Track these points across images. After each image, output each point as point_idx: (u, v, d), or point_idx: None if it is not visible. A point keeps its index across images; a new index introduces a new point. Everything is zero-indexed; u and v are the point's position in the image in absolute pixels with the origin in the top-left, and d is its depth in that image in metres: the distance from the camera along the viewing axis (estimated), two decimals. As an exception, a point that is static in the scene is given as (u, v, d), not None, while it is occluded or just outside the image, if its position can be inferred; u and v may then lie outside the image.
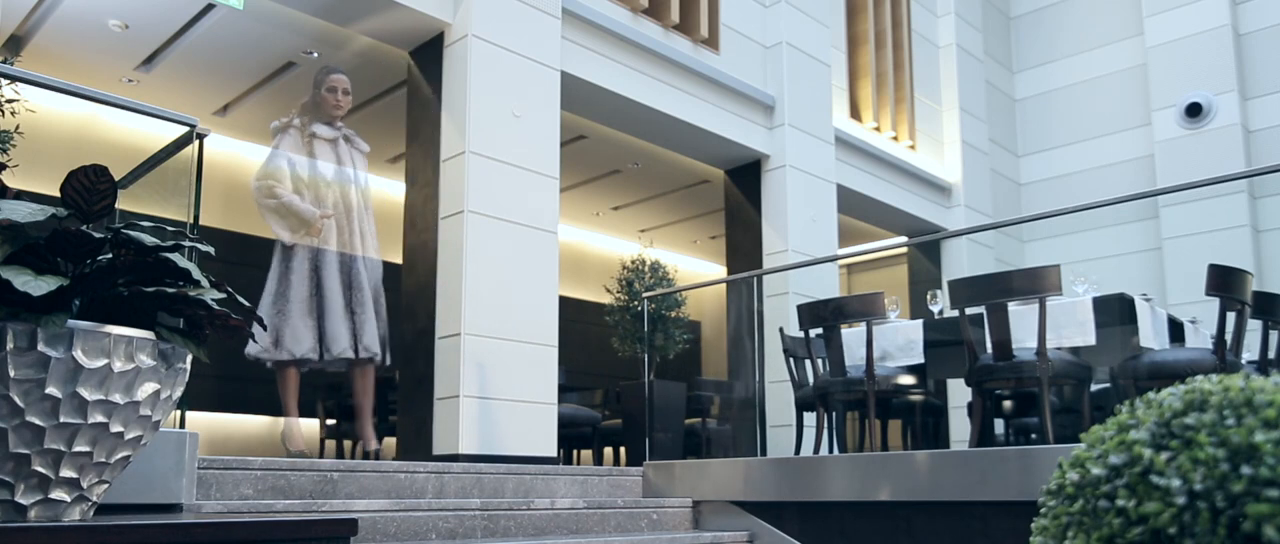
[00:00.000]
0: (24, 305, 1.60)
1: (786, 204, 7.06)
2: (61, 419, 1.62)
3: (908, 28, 8.82)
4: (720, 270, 9.89)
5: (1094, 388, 4.30)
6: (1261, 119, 8.32)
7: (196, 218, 3.00)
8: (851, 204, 8.20)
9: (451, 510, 3.21)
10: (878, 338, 4.23)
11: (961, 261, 8.84)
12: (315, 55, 6.06)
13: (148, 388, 1.74)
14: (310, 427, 5.88)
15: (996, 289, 3.75)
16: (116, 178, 1.79)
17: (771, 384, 5.58)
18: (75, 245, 1.70)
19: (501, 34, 5.21)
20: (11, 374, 1.58)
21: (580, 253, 9.80)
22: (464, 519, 3.24)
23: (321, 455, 6.38)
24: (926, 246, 9.15)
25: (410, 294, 5.13)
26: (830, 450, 4.60)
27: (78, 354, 1.62)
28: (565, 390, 6.13)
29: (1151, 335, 3.86)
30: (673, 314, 6.54)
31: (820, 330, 4.39)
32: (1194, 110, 8.41)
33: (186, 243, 1.93)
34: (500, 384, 4.86)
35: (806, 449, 4.93)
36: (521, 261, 5.10)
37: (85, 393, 1.63)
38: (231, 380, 6.58)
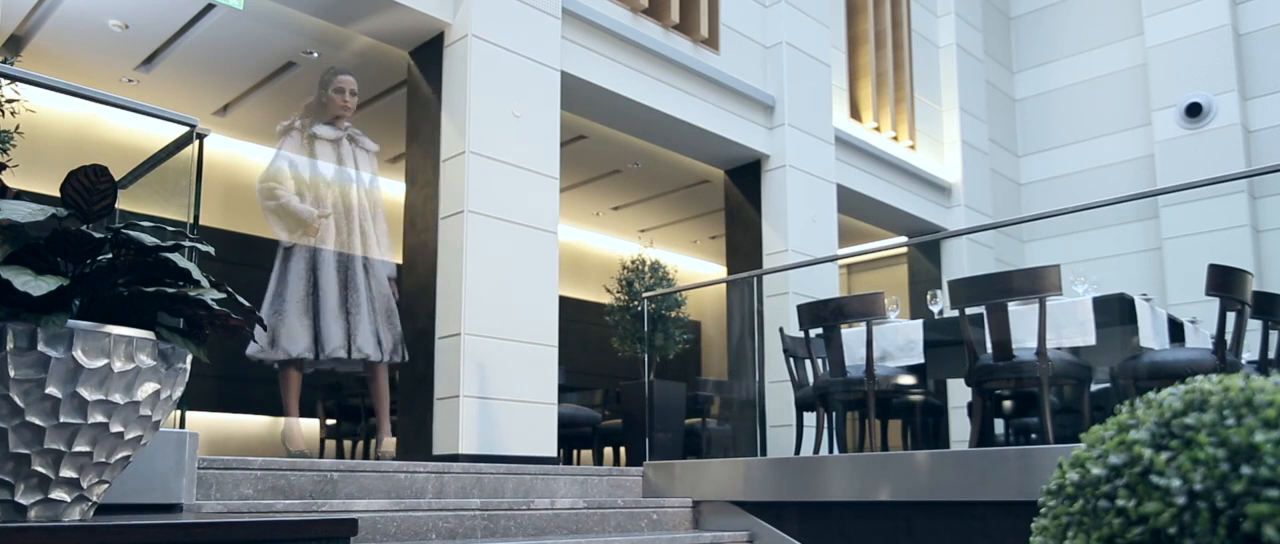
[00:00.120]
0: (24, 305, 1.60)
1: (786, 204, 7.06)
2: (61, 419, 1.62)
3: (908, 28, 8.82)
4: (720, 270, 9.90)
5: (1094, 388, 4.30)
6: (1261, 119, 8.32)
7: (196, 218, 3.00)
8: (851, 204, 8.20)
9: (451, 510, 3.21)
10: (878, 338, 4.23)
11: (961, 261, 8.84)
12: (315, 55, 6.06)
13: (148, 388, 1.74)
14: (310, 427, 5.88)
15: (996, 289, 3.75)
16: (116, 178, 1.79)
17: (771, 384, 5.58)
18: (75, 245, 1.70)
19: (501, 34, 5.21)
20: (11, 374, 1.58)
21: (580, 253, 9.80)
22: (464, 519, 3.24)
23: (321, 455, 6.38)
24: (926, 246, 9.15)
25: (410, 294, 5.13)
26: (830, 450, 4.60)
27: (78, 354, 1.62)
28: (565, 390, 6.13)
29: (1151, 335, 3.86)
30: (673, 314, 6.54)
31: (820, 330, 4.39)
32: (1194, 110, 8.41)
33: (186, 243, 1.93)
34: (500, 384, 4.86)
35: (806, 449, 4.93)
36: (521, 261, 5.10)
37: (85, 393, 1.63)
38: (231, 380, 6.58)
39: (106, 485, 1.77)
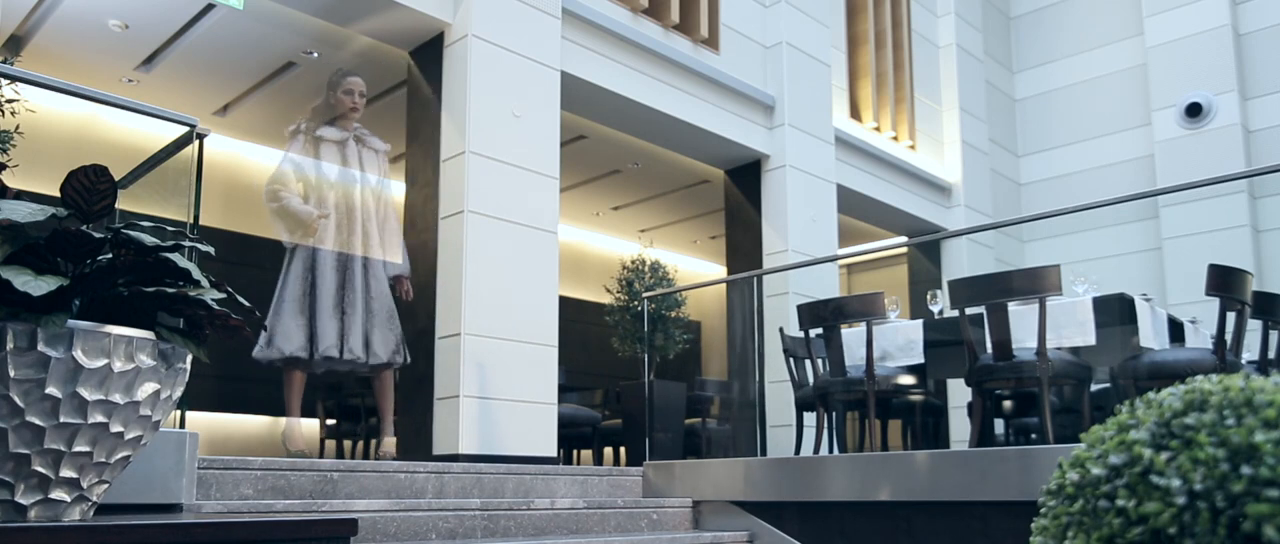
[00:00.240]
0: (24, 305, 1.60)
1: (786, 204, 7.06)
2: (61, 419, 1.62)
3: (908, 28, 8.82)
4: (720, 270, 9.90)
5: (1094, 388, 4.30)
6: (1261, 119, 8.32)
7: (196, 218, 3.00)
8: (851, 204, 8.20)
9: (451, 510, 3.21)
10: (878, 338, 4.23)
11: (961, 261, 8.84)
12: (315, 55, 6.06)
13: (148, 388, 1.74)
14: (310, 427, 5.88)
15: (996, 289, 3.75)
16: (116, 178, 1.79)
17: (771, 384, 5.58)
18: (75, 245, 1.70)
19: (501, 34, 5.21)
20: (11, 374, 1.58)
21: (580, 253, 9.80)
22: (464, 519, 3.24)
23: (321, 455, 6.38)
24: (926, 246, 9.15)
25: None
26: (830, 450, 4.60)
27: (78, 354, 1.62)
28: (565, 390, 6.13)
29: (1151, 335, 3.86)
30: (673, 314, 6.54)
31: (820, 330, 4.39)
32: (1194, 110, 8.41)
33: (186, 243, 1.93)
34: (500, 384, 4.86)
35: (806, 449, 4.93)
36: (521, 261, 5.10)
37: (85, 393, 1.63)
38: (231, 380, 6.58)
39: (106, 485, 1.77)
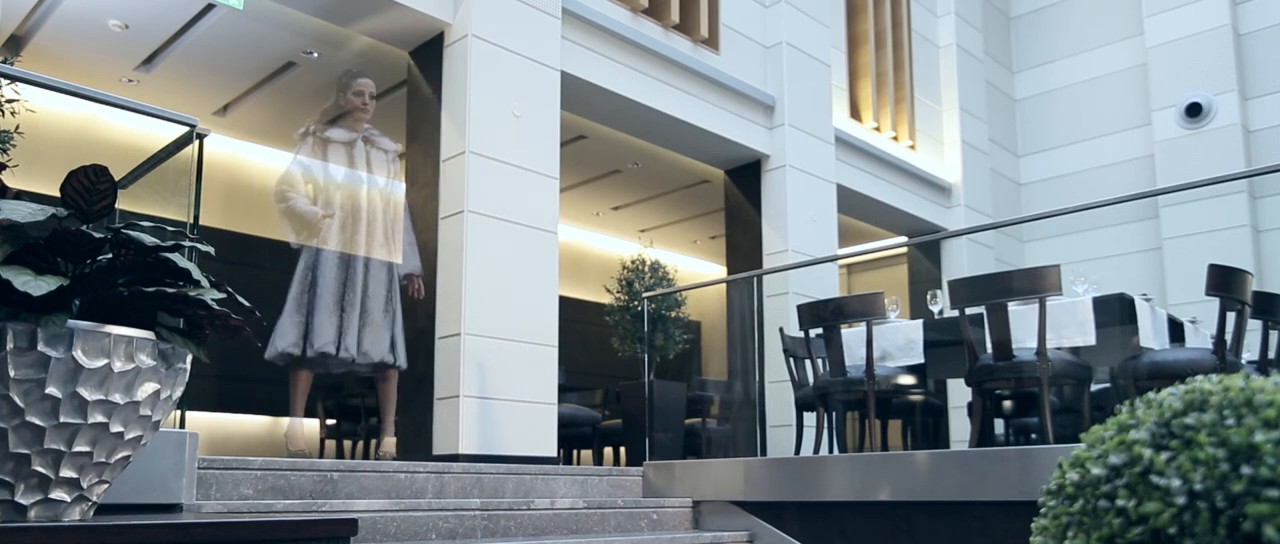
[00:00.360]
0: (24, 305, 1.60)
1: (786, 204, 7.06)
2: (61, 419, 1.62)
3: (908, 28, 8.82)
4: (720, 270, 9.90)
5: (1094, 388, 4.30)
6: (1261, 119, 8.32)
7: (196, 218, 3.00)
8: (851, 204, 8.20)
9: (451, 510, 3.21)
10: (878, 338, 4.23)
11: (961, 261, 8.84)
12: (315, 55, 6.06)
13: (148, 388, 1.74)
14: (310, 427, 5.88)
15: (996, 289, 3.75)
16: (116, 178, 1.79)
17: (771, 384, 5.58)
18: (75, 245, 1.70)
19: (501, 34, 5.21)
20: (11, 374, 1.58)
21: (580, 253, 9.80)
22: (464, 519, 3.24)
23: (321, 455, 6.38)
24: (926, 246, 9.15)
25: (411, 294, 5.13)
26: (830, 450, 4.60)
27: (78, 354, 1.62)
28: (565, 390, 6.13)
29: (1151, 335, 3.86)
30: (673, 314, 6.54)
31: (820, 330, 4.39)
32: (1194, 110, 8.41)
33: (186, 243, 1.93)
34: (500, 384, 4.86)
35: (806, 449, 4.93)
36: (521, 261, 5.10)
37: (85, 393, 1.63)
38: (231, 380, 6.58)
39: (106, 485, 1.77)
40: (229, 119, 7.01)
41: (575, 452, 6.94)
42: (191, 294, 1.75)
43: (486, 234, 4.96)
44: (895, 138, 8.58)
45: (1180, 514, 0.95)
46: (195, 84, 6.51)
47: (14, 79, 2.89)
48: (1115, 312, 3.90)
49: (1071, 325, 3.79)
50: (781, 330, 5.04)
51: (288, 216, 4.76)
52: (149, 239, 1.77)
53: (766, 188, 7.23)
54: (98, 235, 1.72)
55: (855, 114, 8.28)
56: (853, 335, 4.45)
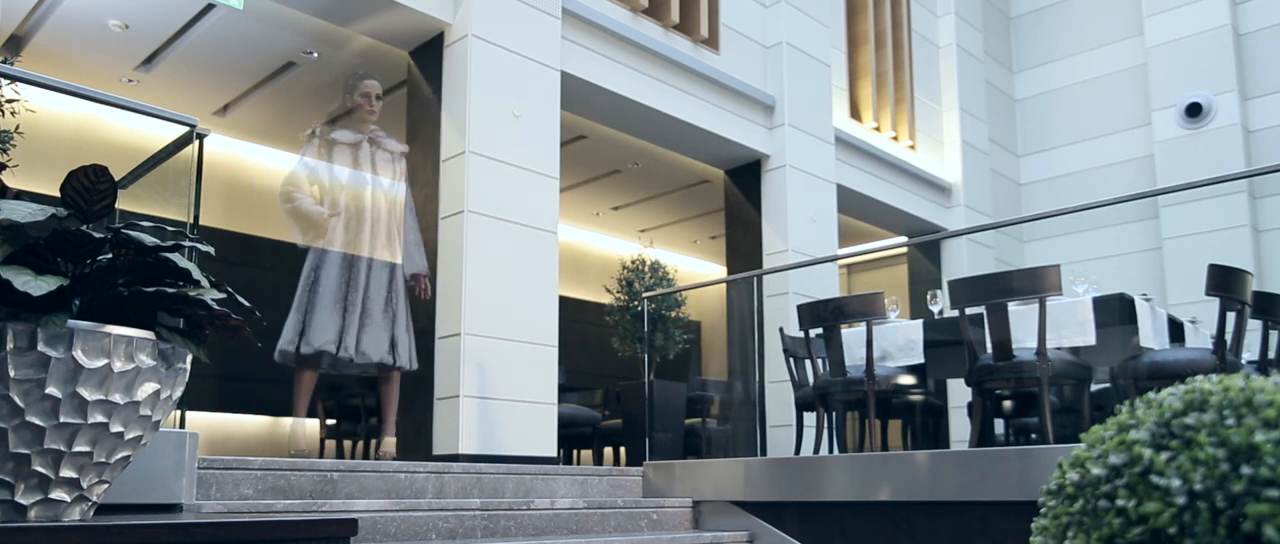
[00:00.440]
0: (24, 305, 1.60)
1: (786, 204, 7.06)
2: (61, 419, 1.62)
3: (908, 28, 8.82)
4: (720, 270, 9.90)
5: (1094, 388, 4.30)
6: (1261, 119, 8.32)
7: (196, 218, 3.00)
8: (851, 204, 8.20)
9: (451, 510, 3.21)
10: (878, 338, 4.23)
11: (961, 261, 8.84)
12: (315, 55, 6.06)
13: (148, 388, 1.74)
14: (310, 427, 5.88)
15: (996, 289, 3.75)
16: (116, 178, 1.79)
17: (771, 384, 5.58)
18: (75, 245, 1.70)
19: (501, 34, 5.21)
20: (11, 374, 1.58)
21: (580, 253, 9.80)
22: (464, 519, 3.24)
23: (321, 455, 6.38)
24: (926, 246, 9.15)
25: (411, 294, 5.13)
26: (830, 450, 4.60)
27: (78, 354, 1.62)
28: (565, 390, 6.13)
29: (1151, 335, 3.86)
30: (673, 314, 6.54)
31: (820, 330, 4.39)
32: (1194, 110, 8.41)
33: (186, 243, 1.93)
34: (500, 384, 4.86)
35: (806, 449, 4.93)
36: (521, 261, 5.10)
37: (85, 393, 1.63)
38: (231, 380, 6.58)
39: (106, 485, 1.77)
40: (229, 119, 7.01)
41: (575, 452, 6.94)
42: (191, 294, 1.75)
43: (486, 234, 4.96)
44: (895, 138, 8.58)
45: (1180, 514, 0.95)
46: (195, 84, 6.51)
47: (14, 79, 2.89)
48: (1115, 312, 3.90)
49: (1071, 325, 3.79)
50: (781, 330, 5.04)
51: (294, 217, 4.78)
52: (149, 239, 1.77)
53: (766, 188, 7.23)
54: (98, 235, 1.72)
55: (855, 114, 8.28)
56: (853, 335, 4.45)
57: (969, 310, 3.84)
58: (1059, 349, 3.80)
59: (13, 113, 3.00)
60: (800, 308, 4.42)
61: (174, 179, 3.16)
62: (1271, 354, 4.03)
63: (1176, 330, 4.29)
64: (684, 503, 4.00)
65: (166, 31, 5.82)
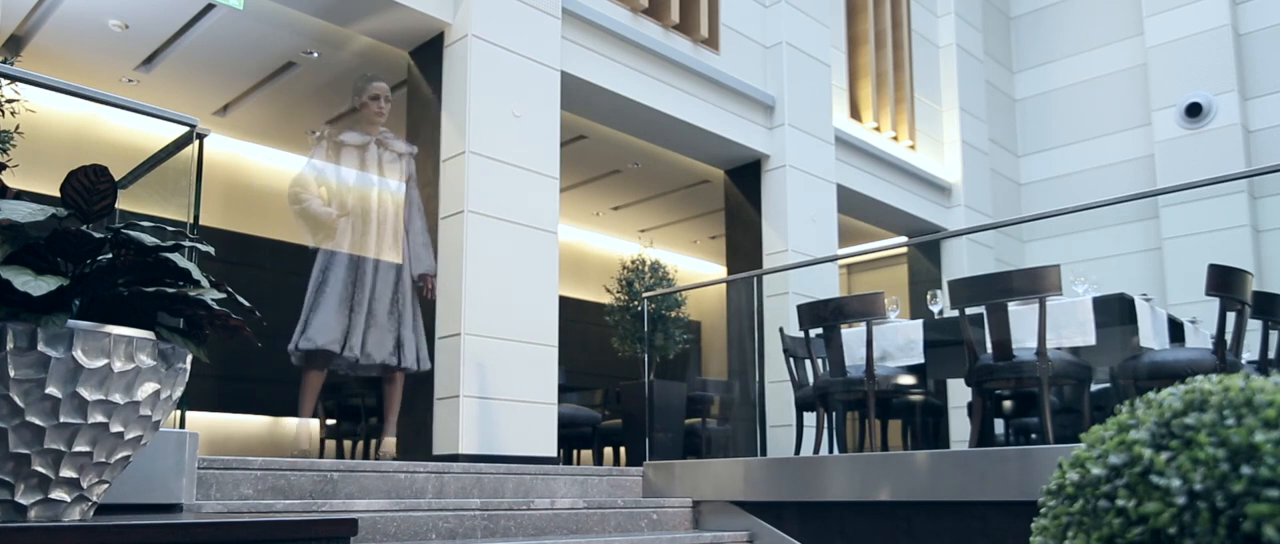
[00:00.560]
0: (24, 305, 1.60)
1: (786, 204, 7.06)
2: (61, 419, 1.62)
3: (908, 28, 8.82)
4: (720, 270, 9.89)
5: (1094, 388, 4.30)
6: (1261, 119, 8.32)
7: (196, 218, 3.00)
8: (851, 204, 8.20)
9: (451, 510, 3.21)
10: (878, 338, 4.23)
11: (961, 261, 8.84)
12: (315, 55, 6.06)
13: (148, 388, 1.74)
14: (310, 427, 5.88)
15: (996, 289, 3.75)
16: (116, 178, 1.79)
17: (771, 384, 5.58)
18: (75, 245, 1.70)
19: (501, 34, 5.21)
20: (11, 374, 1.58)
21: (580, 253, 9.80)
22: (464, 519, 3.24)
23: (321, 455, 6.38)
24: (926, 246, 9.15)
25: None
26: (830, 450, 4.60)
27: (78, 354, 1.62)
28: (565, 390, 6.13)
29: (1151, 335, 3.86)
30: (673, 314, 6.54)
31: (820, 330, 4.39)
32: (1194, 110, 8.41)
33: (186, 243, 1.93)
34: (500, 384, 4.86)
35: (806, 449, 4.93)
36: (521, 261, 5.10)
37: (85, 393, 1.63)
38: (231, 380, 6.58)
39: (106, 485, 1.77)
40: (229, 119, 7.01)
41: (575, 452, 6.94)
42: (191, 294, 1.75)
43: (486, 234, 4.96)
44: (895, 138, 8.58)
45: (1180, 514, 0.95)
46: (195, 84, 6.51)
47: (14, 79, 2.89)
48: (1115, 312, 3.90)
49: (1071, 325, 3.79)
50: (781, 330, 5.04)
51: (303, 218, 4.80)
52: (149, 239, 1.77)
53: (766, 188, 7.23)
54: (98, 235, 1.72)
55: (855, 114, 8.28)
56: (853, 335, 4.45)
57: (969, 310, 3.84)
58: (1059, 349, 3.80)
59: (13, 113, 3.00)
60: (800, 308, 4.42)
61: (174, 179, 3.16)
62: (1271, 354, 4.03)
63: (1176, 330, 4.29)
64: (684, 503, 4.00)
65: (166, 31, 5.82)
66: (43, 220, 1.65)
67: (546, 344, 5.14)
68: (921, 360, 4.25)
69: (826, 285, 7.12)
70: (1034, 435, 4.96)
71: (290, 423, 4.92)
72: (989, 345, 3.82)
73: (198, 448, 2.72)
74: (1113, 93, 9.43)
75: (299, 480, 3.44)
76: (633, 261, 6.78)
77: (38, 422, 1.60)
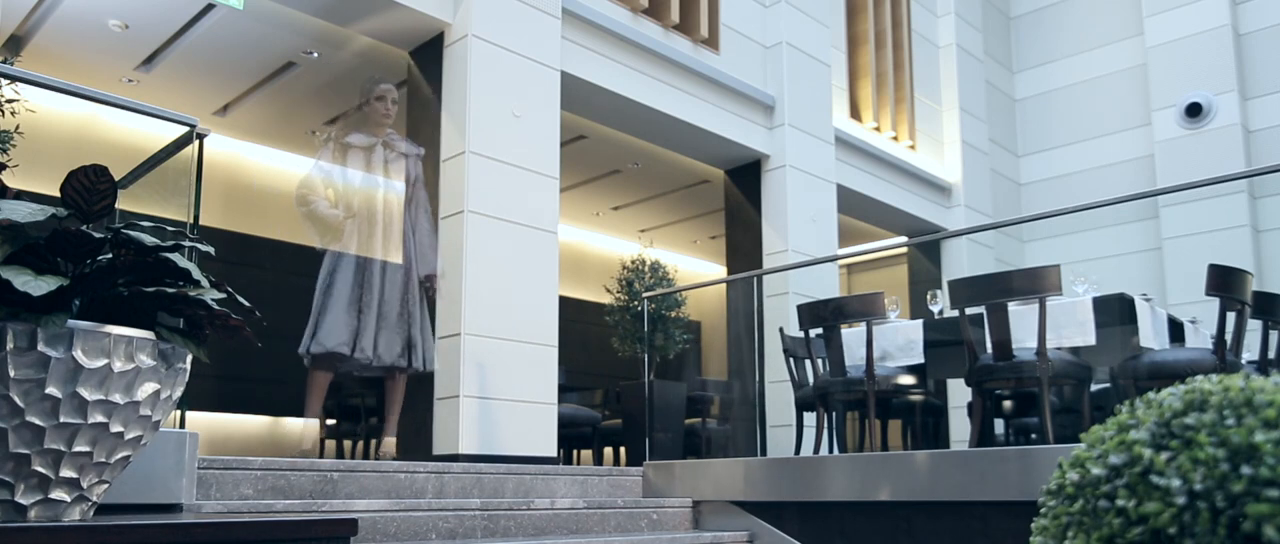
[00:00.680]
0: (24, 305, 1.60)
1: (786, 204, 7.06)
2: (61, 419, 1.62)
3: (908, 28, 8.82)
4: (720, 270, 9.89)
5: (1094, 388, 4.30)
6: (1261, 119, 8.32)
7: (196, 218, 3.00)
8: (851, 204, 8.20)
9: (451, 510, 3.21)
10: (878, 338, 4.23)
11: (961, 261, 8.84)
12: (315, 55, 6.06)
13: (148, 388, 1.74)
14: (310, 427, 5.88)
15: (996, 289, 3.75)
16: (116, 178, 1.79)
17: (771, 384, 5.58)
18: (75, 245, 1.70)
19: (501, 34, 5.21)
20: (11, 374, 1.58)
21: (580, 253, 9.80)
22: (464, 519, 3.24)
23: (321, 455, 6.38)
24: (926, 246, 9.15)
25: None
26: (830, 450, 4.60)
27: (78, 354, 1.62)
28: (565, 390, 6.13)
29: (1151, 335, 3.86)
30: (673, 314, 6.54)
31: (820, 330, 4.39)
32: (1194, 110, 8.41)
33: (186, 243, 1.93)
34: (500, 384, 4.86)
35: (806, 449, 4.93)
36: (521, 261, 5.10)
37: (85, 393, 1.63)
38: (231, 380, 6.58)
39: (106, 485, 1.77)
40: (229, 119, 7.01)
41: (575, 452, 6.94)
42: (191, 294, 1.75)
43: (486, 234, 4.96)
44: (895, 138, 8.58)
45: (1180, 514, 0.95)
46: (195, 84, 6.51)
47: (14, 79, 2.89)
48: (1115, 312, 3.90)
49: (1071, 325, 3.79)
50: (781, 330, 5.04)
51: (310, 220, 4.80)
52: (149, 239, 1.77)
53: (766, 188, 7.23)
54: (98, 235, 1.72)
55: (855, 114, 8.28)
56: (853, 335, 4.45)
57: (969, 310, 3.84)
58: (1059, 349, 3.80)
59: (13, 113, 3.00)
60: (800, 308, 4.42)
61: (174, 179, 3.16)
62: (1271, 354, 4.03)
63: (1176, 330, 4.29)
64: (684, 503, 4.00)
65: (166, 31, 5.82)
66: (43, 220, 1.65)
67: (546, 344, 5.14)
68: (921, 360, 4.25)
69: (826, 285, 7.12)
70: (1034, 435, 4.96)
71: (293, 423, 4.92)
72: (989, 345, 3.82)
73: (198, 448, 2.72)
74: (1113, 93, 9.43)
75: (299, 480, 3.44)
76: (633, 262, 6.78)
77: (38, 422, 1.60)
